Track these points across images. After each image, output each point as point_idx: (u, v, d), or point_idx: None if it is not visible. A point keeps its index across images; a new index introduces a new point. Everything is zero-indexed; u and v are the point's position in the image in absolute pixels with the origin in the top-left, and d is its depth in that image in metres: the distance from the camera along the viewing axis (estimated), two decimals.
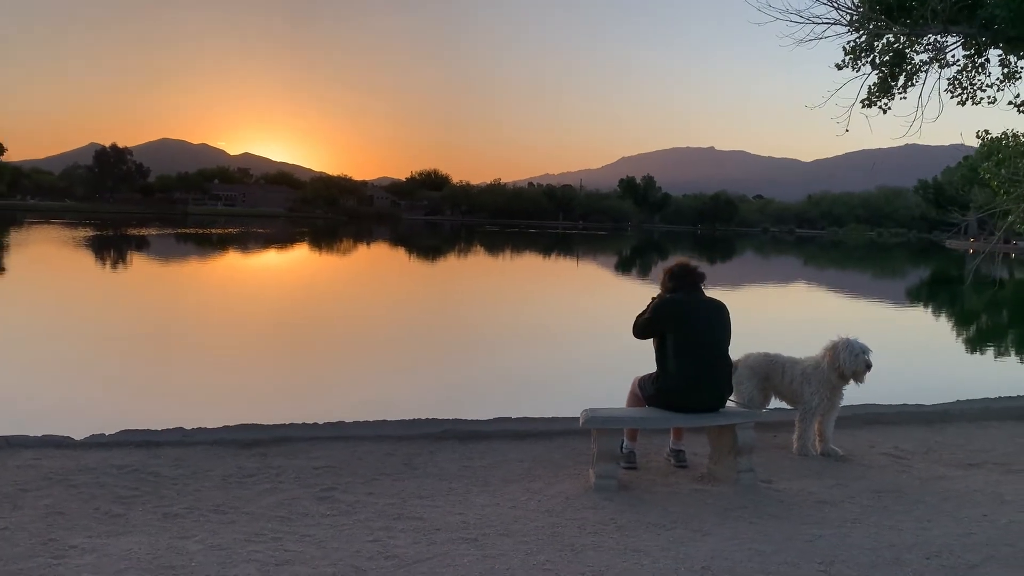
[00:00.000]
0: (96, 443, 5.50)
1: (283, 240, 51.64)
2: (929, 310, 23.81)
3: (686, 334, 5.07)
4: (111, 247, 37.40)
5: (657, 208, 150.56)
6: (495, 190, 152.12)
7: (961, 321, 20.55)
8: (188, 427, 5.94)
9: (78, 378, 9.07)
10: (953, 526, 4.45)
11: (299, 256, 38.21)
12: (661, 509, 4.59)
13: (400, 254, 43.59)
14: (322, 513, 4.36)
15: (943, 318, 21.58)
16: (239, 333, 12.83)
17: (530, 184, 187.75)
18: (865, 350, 5.80)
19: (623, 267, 39.79)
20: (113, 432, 5.73)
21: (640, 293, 21.37)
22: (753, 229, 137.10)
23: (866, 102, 10.77)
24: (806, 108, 11.42)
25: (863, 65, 10.63)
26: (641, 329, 5.31)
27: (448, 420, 6.36)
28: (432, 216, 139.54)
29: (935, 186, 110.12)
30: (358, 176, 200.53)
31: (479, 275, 30.66)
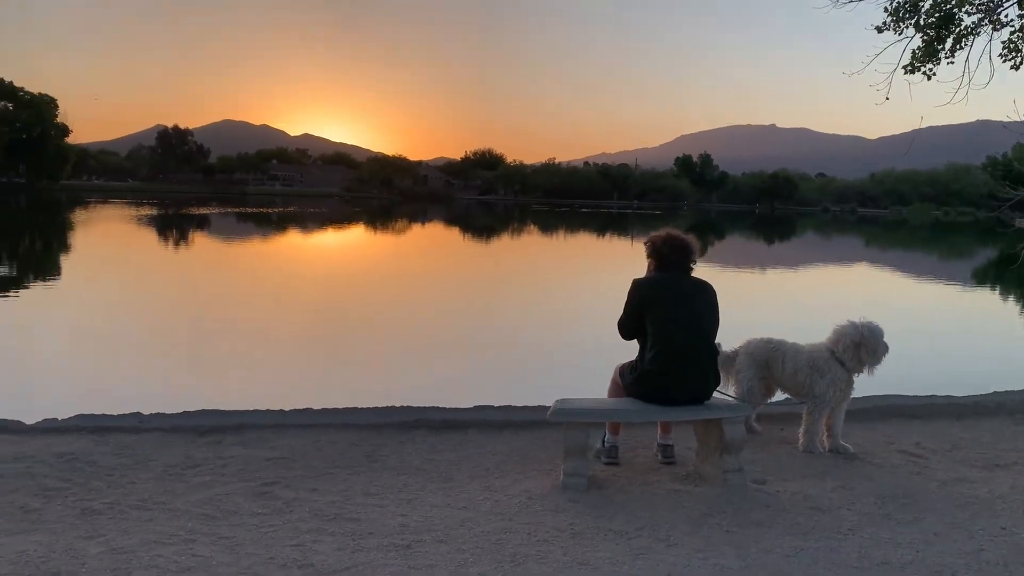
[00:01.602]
0: (46, 428, 5.26)
1: (329, 220, 51.90)
2: (980, 293, 22.50)
3: (663, 318, 4.56)
4: (159, 226, 37.96)
5: (714, 187, 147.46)
6: (549, 169, 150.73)
7: (1014, 305, 19.28)
8: (147, 412, 5.64)
9: (76, 358, 8.91)
10: (964, 541, 3.88)
11: (337, 236, 38.23)
12: (628, 514, 4.11)
13: (440, 234, 43.38)
14: (252, 511, 4.00)
15: (994, 301, 20.23)
16: (245, 313, 12.55)
17: (585, 163, 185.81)
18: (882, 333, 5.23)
19: None
20: (67, 416, 5.46)
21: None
22: (813, 208, 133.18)
23: (909, 68, 9.97)
24: (843, 75, 10.71)
25: (906, 27, 9.84)
26: (622, 325, 4.79)
27: (423, 408, 5.96)
28: (485, 196, 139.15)
29: (1005, 163, 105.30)
30: (414, 156, 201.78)
31: (518, 255, 30.21)
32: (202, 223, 42.30)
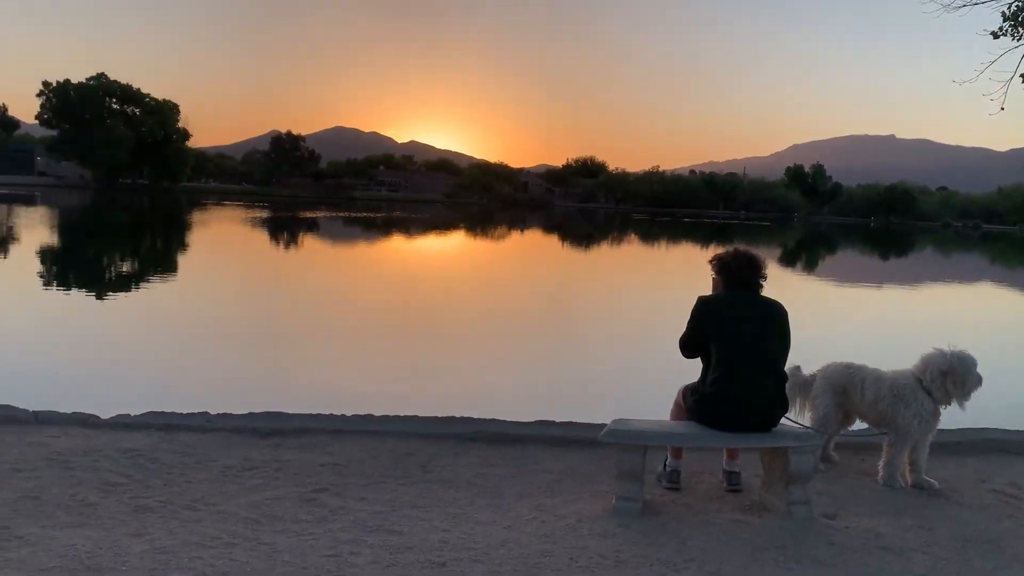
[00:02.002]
0: (118, 424, 5.42)
1: (427, 225, 52.76)
2: None
3: (727, 339, 4.33)
4: (267, 227, 39.41)
5: (827, 198, 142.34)
6: (652, 177, 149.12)
7: None
8: (215, 411, 5.77)
9: (163, 355, 9.26)
10: None
11: (430, 241, 38.75)
12: (679, 543, 3.91)
13: (533, 241, 43.39)
14: (297, 518, 4.01)
15: None
16: (327, 315, 12.86)
17: (691, 172, 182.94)
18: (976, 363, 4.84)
19: (784, 261, 37.67)
20: (140, 413, 5.63)
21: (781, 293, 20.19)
22: (933, 223, 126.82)
23: None
24: (953, 84, 10.09)
25: None
26: (684, 343, 4.60)
27: (483, 420, 5.87)
28: (585, 204, 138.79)
29: None
30: (517, 163, 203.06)
31: (608, 264, 29.87)
32: (306, 225, 43.76)
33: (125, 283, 16.35)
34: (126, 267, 20.23)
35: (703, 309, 4.46)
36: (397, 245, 33.92)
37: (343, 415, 5.84)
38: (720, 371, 4.33)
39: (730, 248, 4.64)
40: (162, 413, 5.62)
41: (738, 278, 4.50)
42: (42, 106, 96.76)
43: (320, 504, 4.22)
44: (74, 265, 19.22)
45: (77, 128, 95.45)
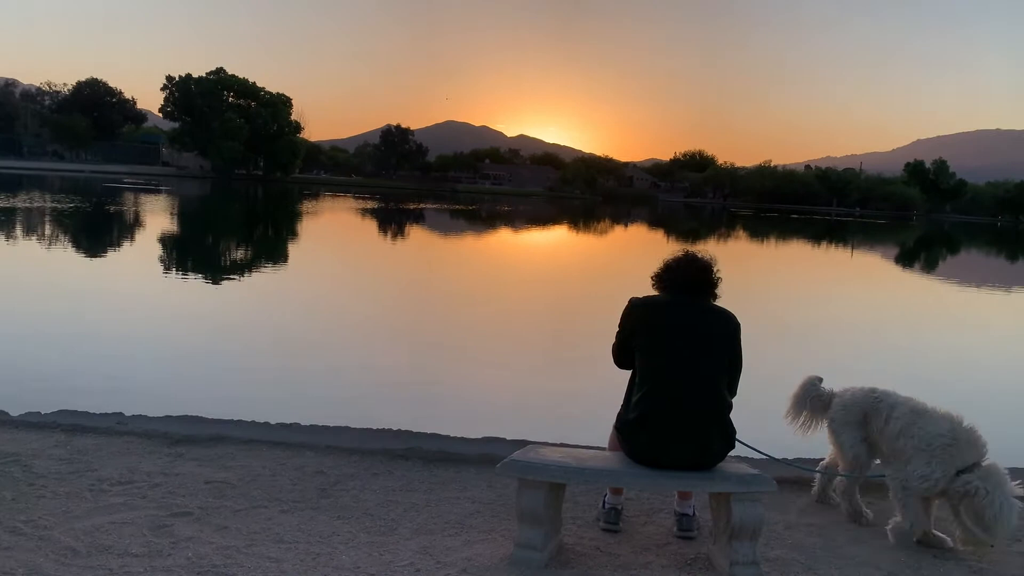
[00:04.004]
0: (22, 423, 5.04)
1: (517, 218, 52.22)
2: None
3: (656, 353, 3.52)
4: (367, 215, 39.78)
5: (950, 196, 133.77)
6: (762, 172, 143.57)
7: None
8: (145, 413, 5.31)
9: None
10: None
11: (504, 236, 38.10)
12: None
13: (610, 237, 42.14)
14: (126, 550, 3.44)
15: None
16: (311, 312, 11.97)
17: (807, 167, 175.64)
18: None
19: (901, 261, 35.23)
20: (51, 411, 5.23)
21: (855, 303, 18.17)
22: None
23: None
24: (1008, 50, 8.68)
25: None
26: (615, 351, 3.81)
27: (422, 435, 5.19)
28: (691, 199, 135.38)
29: None
30: (625, 157, 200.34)
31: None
32: (386, 215, 43.98)
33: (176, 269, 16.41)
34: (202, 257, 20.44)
35: (631, 312, 3.65)
36: (462, 238, 33.39)
37: (266, 423, 5.30)
38: (643, 391, 3.52)
39: (679, 252, 3.81)
40: (73, 412, 5.22)
41: (681, 280, 3.66)
42: (165, 99, 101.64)
43: (168, 533, 3.64)
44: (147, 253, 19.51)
45: (197, 120, 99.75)
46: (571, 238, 37.71)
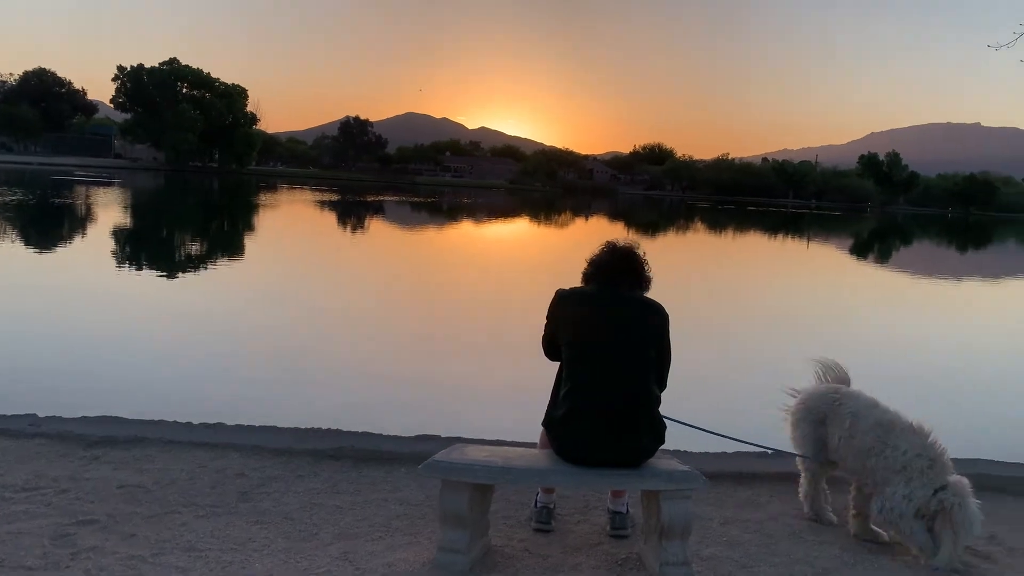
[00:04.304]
0: None
1: (472, 211, 52.00)
2: None
3: (580, 347, 3.39)
4: (321, 208, 39.25)
5: (902, 188, 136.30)
6: (720, 165, 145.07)
7: None
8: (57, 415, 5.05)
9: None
10: None
11: (458, 229, 37.93)
12: None
13: (547, 230, 42.18)
14: (20, 563, 3.22)
15: None
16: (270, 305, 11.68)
17: (764, 159, 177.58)
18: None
19: (853, 251, 35.67)
20: None
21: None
22: (1016, 215, 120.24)
23: None
24: (988, 48, 8.76)
25: None
26: (544, 344, 3.69)
27: (352, 433, 5.01)
28: (651, 191, 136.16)
29: None
30: (585, 150, 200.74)
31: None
32: (347, 208, 43.46)
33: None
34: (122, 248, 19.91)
35: (557, 304, 3.53)
36: (414, 231, 33.02)
37: (189, 423, 5.07)
38: (569, 387, 3.40)
39: (609, 242, 3.68)
40: None
41: (607, 272, 3.54)
42: (117, 90, 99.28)
43: (70, 543, 3.42)
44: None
45: (149, 112, 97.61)
46: (529, 230, 37.60)
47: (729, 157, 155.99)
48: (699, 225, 50.30)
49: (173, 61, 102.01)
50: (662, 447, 3.57)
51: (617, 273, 3.51)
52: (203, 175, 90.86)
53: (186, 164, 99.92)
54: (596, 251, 3.63)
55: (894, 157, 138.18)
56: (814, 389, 4.30)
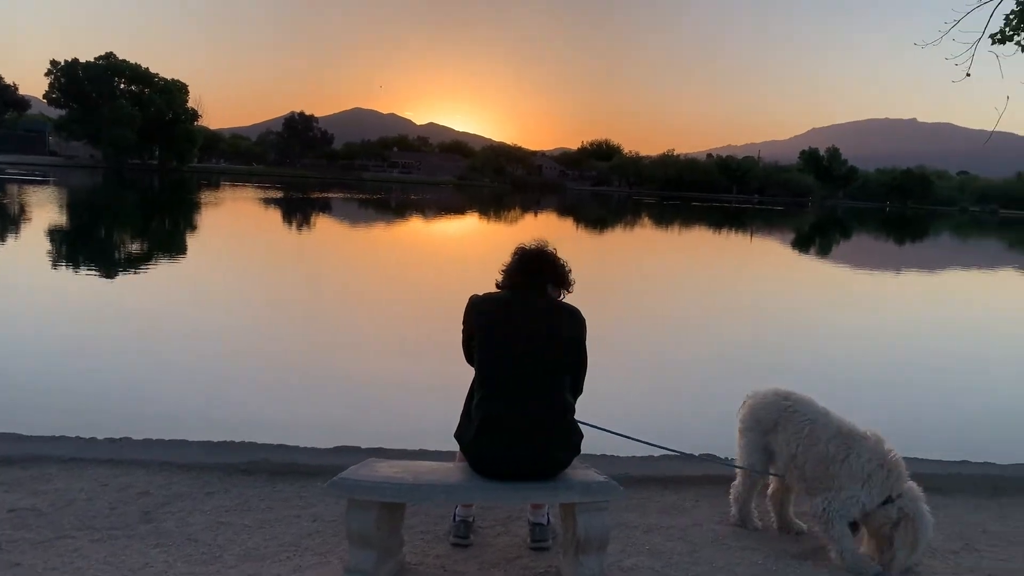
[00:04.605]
0: None
1: (417, 207, 51.66)
2: None
3: (492, 353, 3.28)
4: (261, 206, 38.51)
5: (842, 182, 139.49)
6: (666, 161, 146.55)
7: None
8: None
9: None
10: None
11: (397, 225, 37.65)
12: None
13: (482, 225, 42.18)
14: None
15: None
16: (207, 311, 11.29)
17: (708, 155, 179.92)
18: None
19: (794, 246, 36.23)
20: None
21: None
22: (950, 208, 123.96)
23: (997, 36, 8.09)
24: (915, 46, 8.86)
25: None
26: (463, 348, 3.56)
27: (269, 446, 4.81)
28: (599, 187, 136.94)
29: None
30: (536, 146, 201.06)
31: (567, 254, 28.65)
32: (289, 206, 42.74)
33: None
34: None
35: (470, 310, 3.40)
36: (352, 230, 32.52)
37: (92, 439, 4.81)
38: (480, 397, 3.28)
39: (524, 245, 3.56)
40: None
41: (521, 276, 3.42)
42: (51, 85, 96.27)
43: None
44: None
45: (85, 108, 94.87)
46: (474, 228, 37.41)
47: (675, 153, 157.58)
48: (646, 221, 50.70)
49: (109, 56, 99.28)
50: (580, 456, 3.48)
51: (529, 277, 3.39)
52: (143, 172, 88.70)
53: (125, 161, 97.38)
54: (515, 252, 3.51)
55: (834, 152, 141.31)
56: (763, 397, 4.20)
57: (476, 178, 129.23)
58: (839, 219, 74.82)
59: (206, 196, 47.25)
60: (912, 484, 3.73)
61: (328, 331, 10.13)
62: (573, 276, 3.59)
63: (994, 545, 4.11)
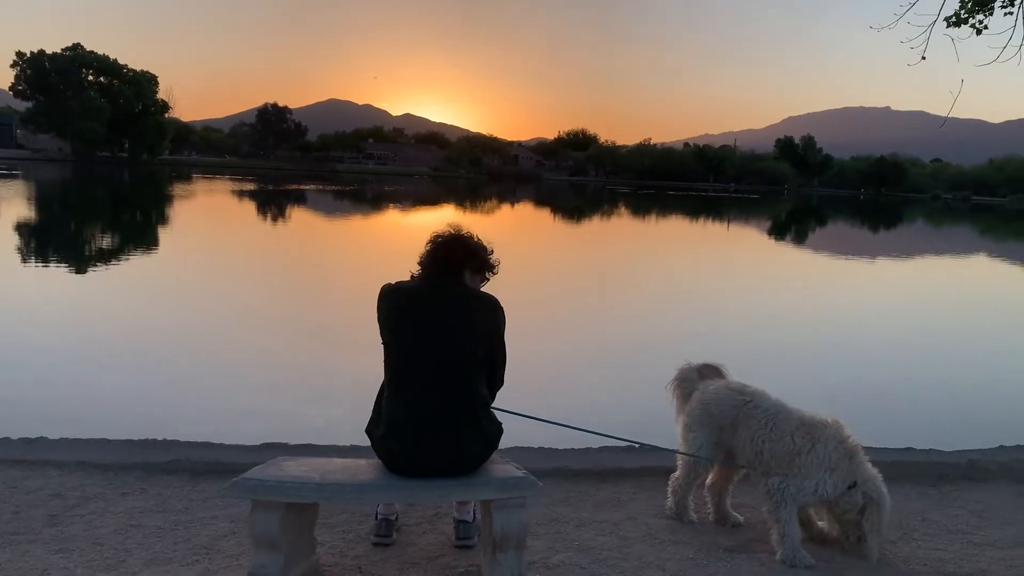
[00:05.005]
0: None
1: (387, 199, 51.33)
2: None
3: (400, 345, 3.14)
4: (221, 198, 38.05)
5: (817, 171, 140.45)
6: (642, 151, 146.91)
7: None
8: None
9: None
10: None
11: (362, 218, 37.39)
12: None
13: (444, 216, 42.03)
14: None
15: None
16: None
17: (685, 144, 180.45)
18: None
19: (775, 233, 36.33)
20: None
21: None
22: (923, 195, 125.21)
23: (952, 19, 8.03)
24: (870, 30, 8.78)
25: None
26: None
27: (192, 444, 4.64)
28: (575, 177, 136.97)
29: None
30: (512, 136, 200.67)
31: (527, 246, 28.58)
32: (259, 197, 42.25)
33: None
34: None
35: (379, 301, 3.24)
36: (321, 221, 32.14)
37: (7, 439, 4.62)
38: (389, 391, 3.14)
39: (441, 230, 3.40)
40: None
41: (434, 263, 3.26)
42: (16, 77, 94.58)
43: None
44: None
45: (52, 100, 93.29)
46: (438, 218, 37.17)
47: (652, 142, 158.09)
48: (617, 210, 50.66)
49: (76, 47, 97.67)
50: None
51: (443, 265, 3.23)
52: (112, 166, 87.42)
53: (94, 154, 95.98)
54: (431, 238, 3.35)
55: (809, 141, 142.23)
56: (715, 392, 4.05)
57: (452, 169, 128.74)
58: (813, 207, 75.26)
59: (175, 190, 46.60)
60: (872, 468, 3.68)
61: (263, 324, 9.82)
62: (496, 258, 3.45)
63: (932, 534, 4.04)
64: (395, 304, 3.18)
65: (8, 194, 33.73)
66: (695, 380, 4.17)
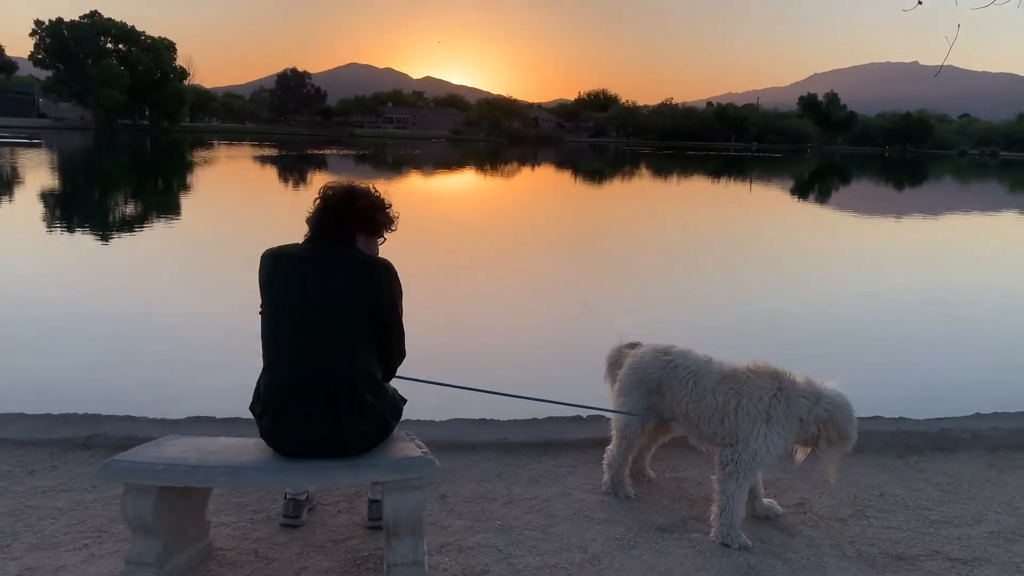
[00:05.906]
0: None
1: (405, 163, 50.94)
2: None
3: (275, 314, 2.88)
4: (210, 164, 37.93)
5: (841, 128, 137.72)
6: (663, 111, 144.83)
7: None
8: None
9: None
10: None
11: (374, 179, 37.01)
12: None
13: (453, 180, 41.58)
14: None
15: None
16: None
17: (708, 104, 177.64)
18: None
19: (802, 192, 35.61)
20: None
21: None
22: (949, 152, 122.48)
23: None
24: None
25: None
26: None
27: (112, 418, 4.44)
28: (596, 138, 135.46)
29: None
30: (533, 98, 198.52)
31: (543, 208, 28.14)
32: (272, 163, 42.03)
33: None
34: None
35: (260, 267, 2.96)
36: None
37: None
38: (265, 365, 2.89)
39: (331, 184, 3.10)
40: None
41: (317, 223, 2.98)
42: (36, 46, 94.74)
43: None
44: None
45: (72, 68, 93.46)
46: (441, 184, 36.82)
47: (673, 102, 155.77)
48: (642, 171, 49.88)
49: (94, 14, 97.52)
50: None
51: (328, 225, 2.94)
52: (133, 133, 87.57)
53: (115, 122, 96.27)
54: (319, 193, 3.06)
55: (832, 98, 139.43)
56: (642, 355, 3.81)
57: (471, 132, 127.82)
58: (836, 165, 73.79)
59: (193, 156, 46.54)
60: (828, 384, 3.39)
61: (197, 292, 9.38)
62: (394, 212, 3.16)
63: (888, 510, 3.76)
64: (274, 268, 2.91)
65: (20, 163, 33.78)
66: (626, 356, 3.92)
